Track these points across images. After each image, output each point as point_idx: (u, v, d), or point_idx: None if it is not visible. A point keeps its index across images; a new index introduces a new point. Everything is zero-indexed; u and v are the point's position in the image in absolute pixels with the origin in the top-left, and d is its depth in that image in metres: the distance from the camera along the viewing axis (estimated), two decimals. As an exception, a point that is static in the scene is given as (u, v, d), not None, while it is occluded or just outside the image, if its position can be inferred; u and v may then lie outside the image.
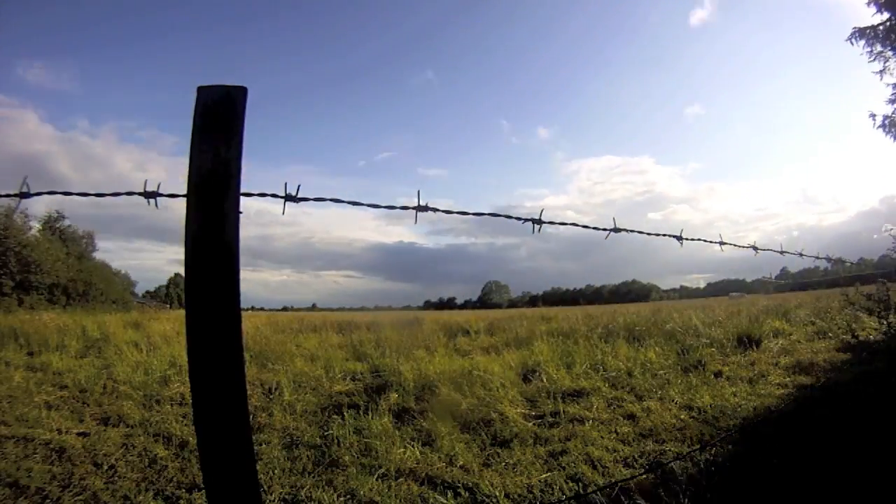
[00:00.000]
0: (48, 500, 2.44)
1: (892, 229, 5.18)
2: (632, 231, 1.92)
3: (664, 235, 2.17)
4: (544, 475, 2.70)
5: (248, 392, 3.51)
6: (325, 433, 3.44)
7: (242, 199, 1.01)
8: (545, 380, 4.82)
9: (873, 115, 9.64)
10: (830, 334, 6.89)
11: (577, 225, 1.84)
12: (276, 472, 2.77)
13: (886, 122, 9.56)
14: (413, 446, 3.15)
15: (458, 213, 1.61)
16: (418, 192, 1.37)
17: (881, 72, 9.28)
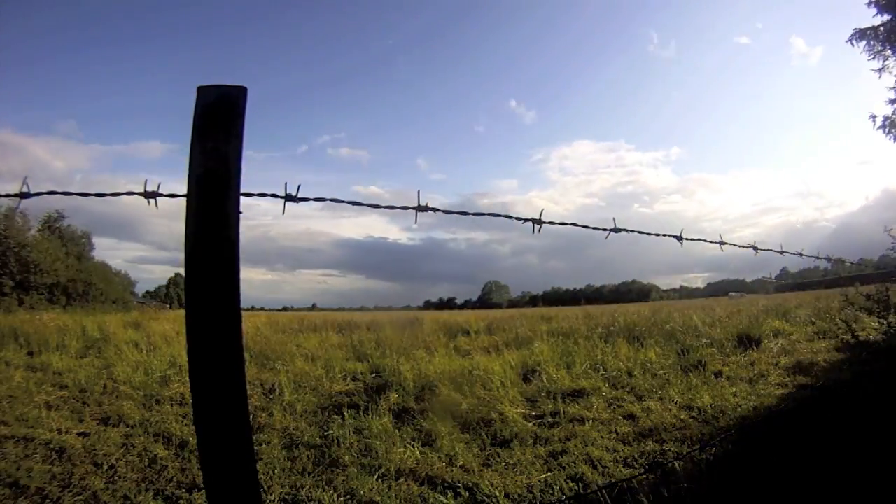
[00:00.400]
0: (48, 500, 2.44)
1: (893, 229, 5.17)
2: (632, 231, 1.92)
3: (664, 235, 2.17)
4: (544, 475, 2.70)
5: (248, 392, 3.49)
6: (325, 433, 3.44)
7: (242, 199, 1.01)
8: (545, 380, 4.82)
9: (873, 117, 9.64)
10: (830, 334, 6.89)
11: (577, 225, 1.84)
12: (276, 472, 2.77)
13: (886, 122, 9.57)
14: (413, 446, 3.15)
15: (457, 212, 1.60)
16: (418, 192, 1.37)
17: (880, 69, 9.28)
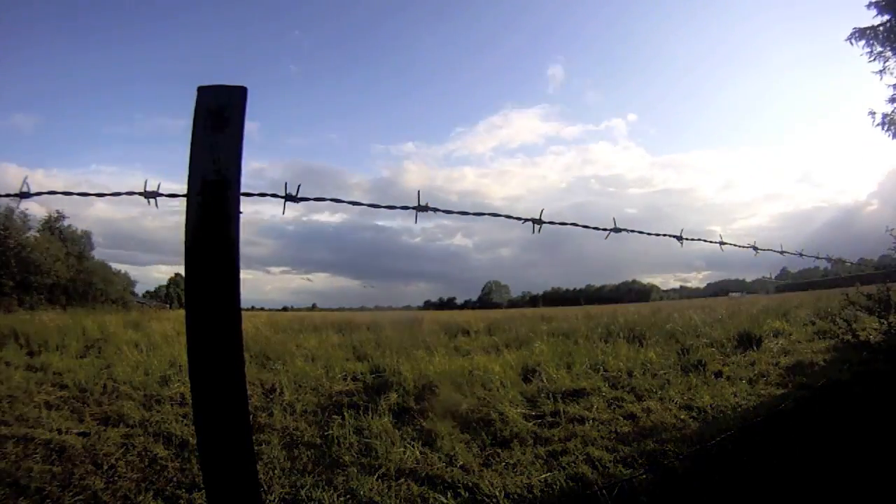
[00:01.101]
0: (48, 500, 2.44)
1: (894, 229, 5.18)
2: (632, 231, 1.92)
3: (664, 235, 2.17)
4: (544, 475, 2.69)
5: (248, 392, 3.51)
6: (325, 433, 3.44)
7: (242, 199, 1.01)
8: (545, 380, 4.82)
9: (872, 113, 9.66)
10: (830, 334, 6.89)
11: (577, 225, 1.84)
12: (276, 471, 2.77)
13: (885, 120, 9.58)
14: (413, 446, 3.15)
15: (458, 212, 1.61)
16: (418, 192, 1.37)
17: (881, 72, 9.29)
